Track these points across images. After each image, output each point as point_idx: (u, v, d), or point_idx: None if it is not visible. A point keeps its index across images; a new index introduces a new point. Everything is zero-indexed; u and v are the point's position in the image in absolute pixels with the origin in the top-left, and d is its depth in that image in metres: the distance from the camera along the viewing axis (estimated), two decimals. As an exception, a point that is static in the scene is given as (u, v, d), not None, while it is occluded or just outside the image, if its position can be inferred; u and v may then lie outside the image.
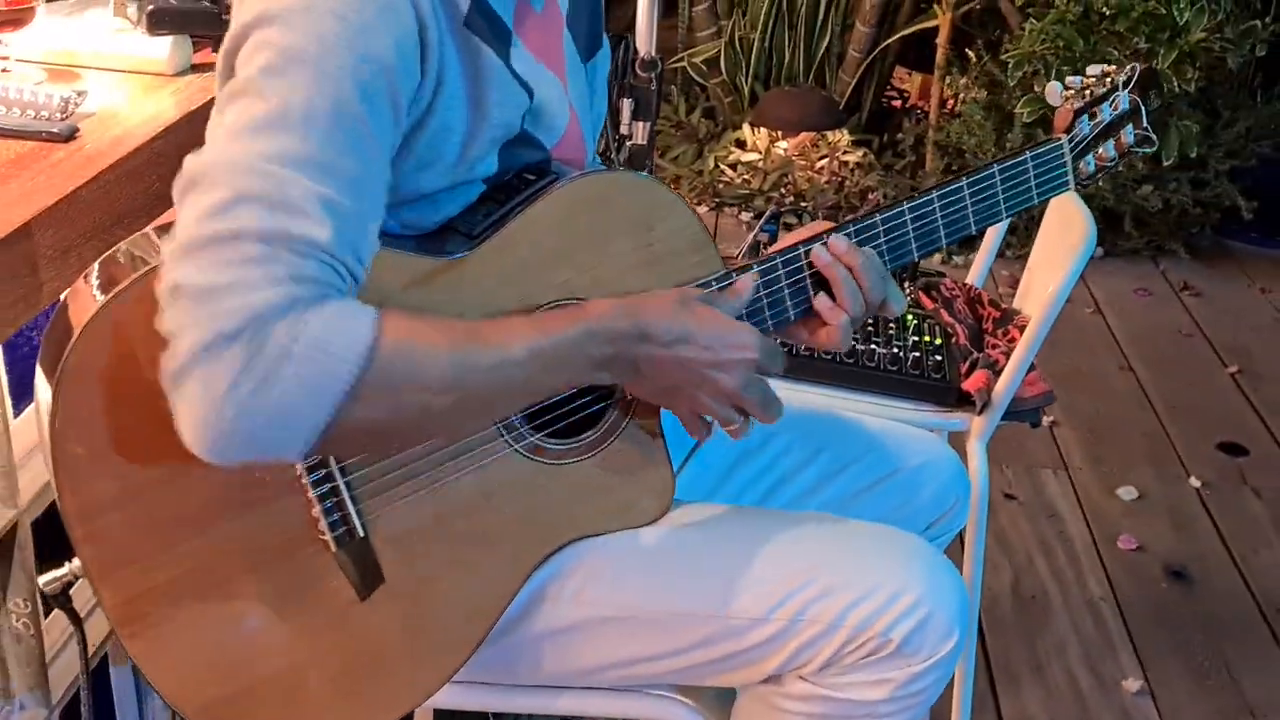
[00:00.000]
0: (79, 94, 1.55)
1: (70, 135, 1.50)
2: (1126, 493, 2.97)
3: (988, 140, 4.05)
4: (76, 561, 1.07)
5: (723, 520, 1.27)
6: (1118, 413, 3.34)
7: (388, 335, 0.97)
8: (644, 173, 1.24)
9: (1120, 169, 1.34)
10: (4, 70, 1.60)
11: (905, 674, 1.19)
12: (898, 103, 5.02)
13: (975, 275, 1.96)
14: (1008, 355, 1.74)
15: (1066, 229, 1.69)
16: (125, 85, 1.69)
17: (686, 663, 1.23)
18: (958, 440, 1.80)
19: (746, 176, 4.43)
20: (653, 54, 1.97)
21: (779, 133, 4.51)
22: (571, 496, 1.20)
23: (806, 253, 1.22)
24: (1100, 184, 4.01)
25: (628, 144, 2.10)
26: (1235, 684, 2.37)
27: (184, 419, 0.93)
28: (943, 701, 1.98)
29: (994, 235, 1.93)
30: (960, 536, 1.89)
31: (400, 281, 1.09)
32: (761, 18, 4.58)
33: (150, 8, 1.61)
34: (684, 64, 4.70)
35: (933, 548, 1.26)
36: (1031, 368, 1.73)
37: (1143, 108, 1.33)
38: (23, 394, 1.56)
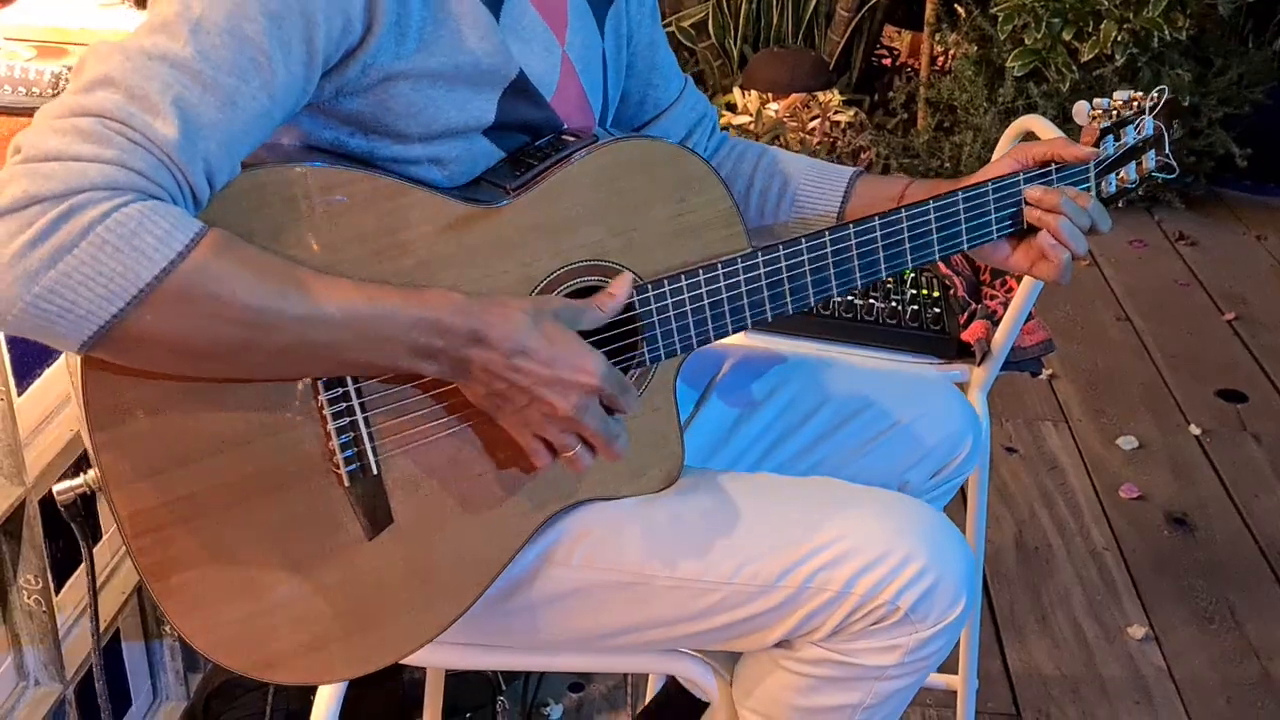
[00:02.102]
0: (69, 69, 1.54)
1: (62, 112, 1.50)
2: (1127, 442, 2.98)
3: (979, 96, 4.04)
4: (92, 473, 1.06)
5: (732, 487, 1.26)
6: (1116, 364, 3.35)
7: (201, 251, 0.94)
8: (669, 140, 1.23)
9: (1140, 192, 1.37)
10: (-7, 49, 1.59)
11: (914, 639, 1.20)
12: (888, 61, 5.01)
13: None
14: (1006, 305, 1.74)
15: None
16: (115, 61, 1.68)
17: (694, 629, 1.24)
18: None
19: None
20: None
21: (769, 95, 4.50)
22: None
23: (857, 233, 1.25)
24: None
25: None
26: (1239, 627, 2.39)
27: None
28: (949, 653, 2.00)
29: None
30: (962, 489, 1.90)
31: (438, 224, 1.10)
32: (749, -21, 4.56)
33: (138, -19, 1.61)
34: (672, 28, 4.68)
35: (938, 513, 1.25)
36: (1030, 316, 1.74)
37: (1166, 135, 1.37)
38: (26, 373, 1.57)
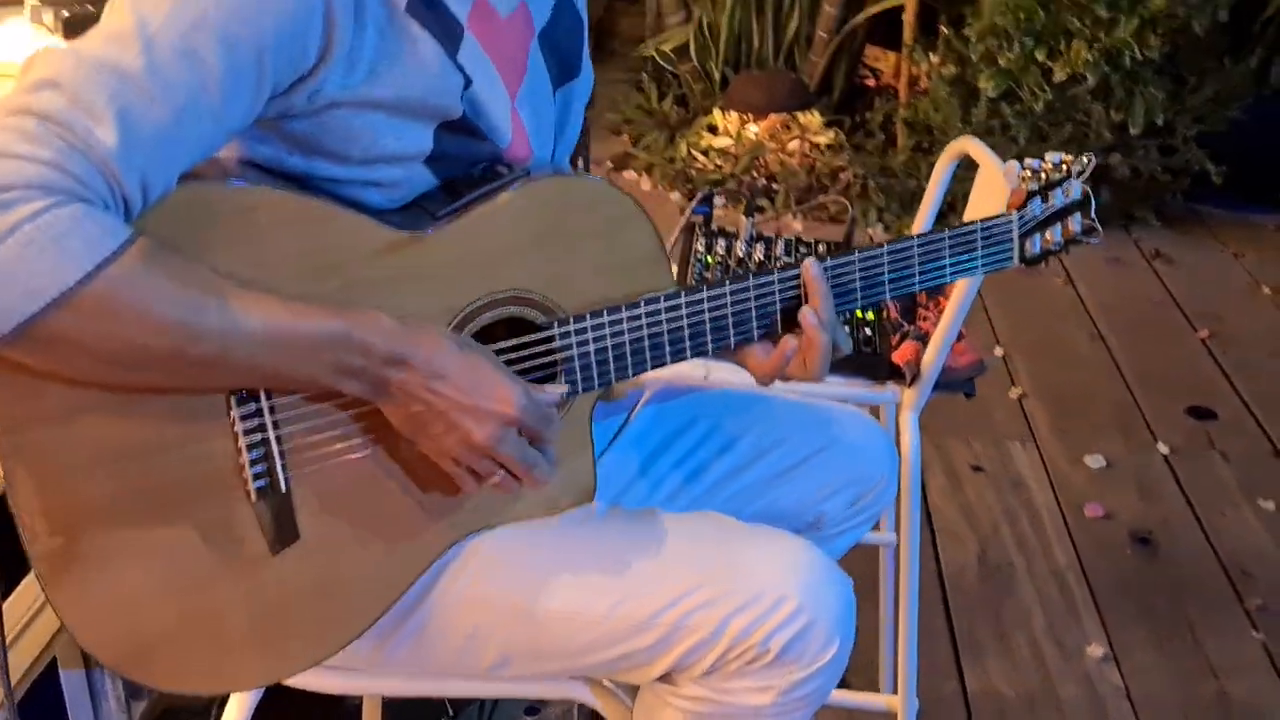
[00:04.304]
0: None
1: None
2: (1094, 461, 2.97)
3: (954, 116, 4.05)
4: None
5: (616, 524, 1.27)
6: (1087, 382, 3.34)
7: (128, 258, 0.95)
8: (601, 178, 1.24)
9: (1065, 254, 1.40)
10: (-80, 82, 1.61)
11: (787, 681, 1.21)
12: (871, 82, 5.02)
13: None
14: (940, 326, 1.75)
15: (992, 196, 1.69)
16: (50, 93, 1.70)
17: (578, 662, 1.25)
18: (894, 413, 1.81)
19: (718, 162, 4.43)
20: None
21: (749, 116, 4.52)
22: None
23: (782, 280, 1.24)
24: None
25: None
26: (1198, 646, 2.38)
27: None
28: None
29: (929, 207, 1.93)
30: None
31: (364, 249, 1.11)
32: (728, 3, 4.58)
33: (66, 15, 1.63)
34: (651, 52, 4.71)
35: (819, 553, 1.25)
36: (960, 338, 1.74)
37: (1092, 199, 1.38)
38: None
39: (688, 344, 1.24)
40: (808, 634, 1.19)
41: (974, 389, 1.79)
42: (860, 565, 2.16)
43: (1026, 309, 3.70)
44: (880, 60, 5.10)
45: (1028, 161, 1.37)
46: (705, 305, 1.23)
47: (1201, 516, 2.77)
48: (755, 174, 4.38)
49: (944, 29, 4.30)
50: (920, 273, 1.31)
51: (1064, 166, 1.36)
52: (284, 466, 1.12)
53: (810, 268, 1.24)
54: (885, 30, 4.74)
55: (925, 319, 1.78)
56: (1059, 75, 3.79)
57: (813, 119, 4.53)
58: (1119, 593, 2.53)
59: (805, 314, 1.23)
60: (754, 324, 1.26)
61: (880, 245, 1.28)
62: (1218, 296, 3.82)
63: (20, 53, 1.75)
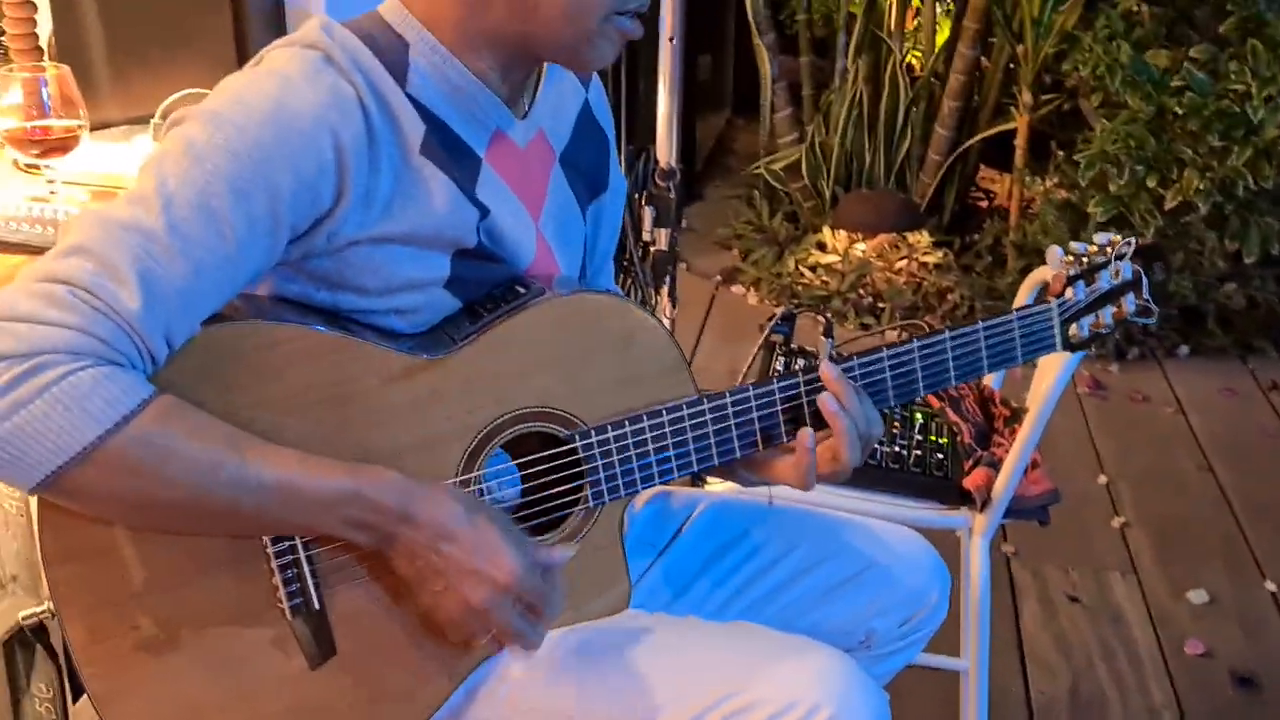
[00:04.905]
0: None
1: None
2: (1197, 596, 2.89)
3: (1062, 240, 4.03)
4: (50, 603, 1.15)
5: (649, 631, 1.29)
6: (1194, 514, 3.26)
7: (147, 418, 1.02)
8: (624, 294, 1.28)
9: (1116, 336, 1.36)
10: (50, 194, 1.73)
11: None
12: (985, 203, 5.03)
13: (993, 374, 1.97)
14: (1017, 453, 1.75)
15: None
16: (168, 204, 1.81)
17: None
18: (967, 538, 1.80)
19: (825, 279, 4.47)
20: (672, 163, 2.05)
21: (859, 235, 4.56)
22: None
23: (806, 382, 1.27)
24: (1177, 284, 3.96)
25: (651, 250, 2.18)
26: (1298, 796, 2.29)
27: None
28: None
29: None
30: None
31: (381, 376, 1.16)
32: (841, 123, 4.66)
33: (184, 133, 1.74)
34: (761, 170, 4.80)
35: (852, 664, 1.25)
36: (1034, 465, 1.74)
37: (1144, 279, 1.37)
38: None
39: (714, 449, 1.26)
40: None
41: (1048, 517, 1.78)
42: (943, 689, 2.15)
43: (1134, 437, 3.63)
44: (995, 182, 5.11)
45: (1072, 245, 1.36)
46: (730, 409, 1.26)
47: (1308, 659, 2.67)
48: (861, 292, 4.40)
49: (1057, 152, 4.31)
50: (955, 367, 1.31)
51: (1108, 250, 1.35)
52: (316, 586, 1.17)
53: (828, 370, 1.26)
54: (999, 152, 4.77)
55: (1000, 445, 1.78)
56: (1170, 202, 3.76)
57: (921, 239, 4.55)
58: (1217, 734, 2.45)
59: (824, 399, 1.25)
60: (781, 426, 1.28)
61: (909, 341, 1.29)
62: (1337, 430, 3.71)
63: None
